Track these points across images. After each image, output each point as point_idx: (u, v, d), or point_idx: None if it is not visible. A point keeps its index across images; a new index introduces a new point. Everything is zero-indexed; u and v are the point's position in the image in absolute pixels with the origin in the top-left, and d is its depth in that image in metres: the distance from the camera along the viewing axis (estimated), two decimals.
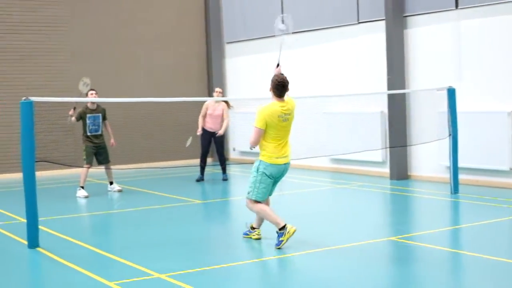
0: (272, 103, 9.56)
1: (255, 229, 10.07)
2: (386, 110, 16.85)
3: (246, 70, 21.88)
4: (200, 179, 17.11)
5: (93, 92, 14.96)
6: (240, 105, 20.57)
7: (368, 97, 17.13)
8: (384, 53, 16.79)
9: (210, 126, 17.00)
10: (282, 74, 9.68)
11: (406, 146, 16.43)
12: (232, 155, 22.44)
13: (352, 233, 10.57)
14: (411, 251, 9.45)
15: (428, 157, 16.16)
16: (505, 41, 14.74)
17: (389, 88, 16.43)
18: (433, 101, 15.44)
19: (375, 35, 17.36)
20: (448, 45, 15.72)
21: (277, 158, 9.48)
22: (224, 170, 17.32)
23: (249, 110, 19.53)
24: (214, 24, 22.74)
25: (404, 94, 16.32)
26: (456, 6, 15.54)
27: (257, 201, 9.63)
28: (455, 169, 13.97)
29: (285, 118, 9.51)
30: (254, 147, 9.63)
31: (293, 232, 9.38)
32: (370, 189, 15.29)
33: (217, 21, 22.80)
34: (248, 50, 21.91)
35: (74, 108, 14.96)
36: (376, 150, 16.78)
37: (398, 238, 10.02)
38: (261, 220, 9.99)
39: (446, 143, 14.23)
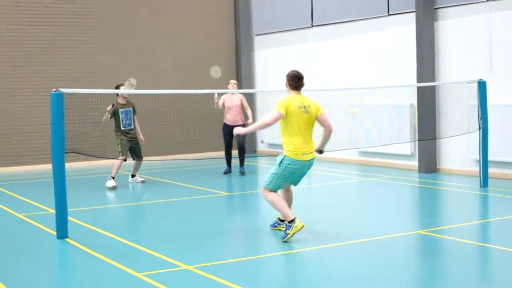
0: (290, 96, 9.58)
1: (283, 222, 9.84)
2: (415, 102, 16.76)
3: (275, 62, 21.84)
4: (228, 171, 17.11)
5: (122, 87, 15.10)
6: (270, 98, 20.54)
7: (398, 90, 17.05)
8: (414, 45, 16.69)
9: (229, 119, 16.79)
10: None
11: (435, 139, 16.33)
12: (260, 147, 22.44)
13: (380, 226, 10.53)
14: (440, 244, 9.39)
15: (457, 150, 16.05)
16: None
17: (418, 81, 16.33)
18: (463, 94, 15.33)
19: (405, 27, 17.26)
20: (479, 38, 15.59)
21: (302, 154, 9.39)
22: (242, 162, 17.10)
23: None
24: (244, 16, 22.75)
25: (433, 86, 16.22)
26: None
27: (271, 191, 9.59)
28: (484, 163, 13.85)
29: (306, 110, 9.41)
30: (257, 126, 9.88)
31: (301, 228, 9.30)
32: (398, 182, 15.22)
33: (246, 13, 22.80)
34: (277, 43, 21.89)
35: (113, 105, 15.07)
36: (404, 143, 16.71)
37: (427, 232, 9.96)
38: (288, 209, 9.67)
39: (476, 136, 14.13)
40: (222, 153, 17.74)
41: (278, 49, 21.87)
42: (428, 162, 16.38)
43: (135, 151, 15.41)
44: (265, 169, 18.01)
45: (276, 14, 21.79)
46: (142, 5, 21.36)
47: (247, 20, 22.81)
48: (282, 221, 9.96)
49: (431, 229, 10.12)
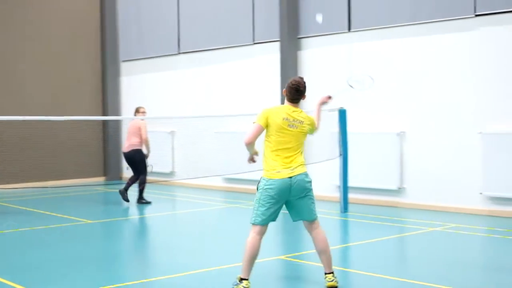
0: (281, 105, 8.32)
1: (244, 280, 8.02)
2: None
3: (142, 88, 21.78)
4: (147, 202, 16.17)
5: None
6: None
7: None
8: (278, 73, 17.00)
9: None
10: (301, 78, 8.30)
11: None
12: (126, 173, 22.15)
13: (241, 252, 10.58)
14: (300, 269, 9.55)
15: (319, 177, 16.35)
16: (394, 64, 15.16)
17: None
18: (325, 121, 15.64)
19: (270, 56, 17.57)
20: (340, 67, 16.05)
21: (278, 171, 7.91)
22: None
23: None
24: (110, 42, 22.56)
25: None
26: (349, 29, 15.89)
27: (255, 227, 8.02)
28: (345, 188, 14.24)
29: (293, 124, 8.02)
30: (249, 148, 8.31)
31: None
32: None
33: (113, 39, 22.63)
34: (144, 69, 21.82)
35: None
36: None
37: (287, 257, 10.11)
38: (249, 267, 8.04)
39: (337, 163, 14.48)
40: (88, 180, 17.37)
41: (145, 75, 21.81)
42: None
43: None
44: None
45: (143, 41, 21.74)
46: (8, 29, 20.85)
47: (113, 46, 22.64)
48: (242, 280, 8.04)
49: (291, 255, 10.28)
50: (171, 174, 20.29)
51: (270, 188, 7.87)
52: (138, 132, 15.65)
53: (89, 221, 14.18)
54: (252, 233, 7.99)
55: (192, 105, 19.76)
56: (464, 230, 12.24)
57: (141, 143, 15.73)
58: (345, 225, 13.32)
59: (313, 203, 8.22)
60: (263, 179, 7.95)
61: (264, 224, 8.01)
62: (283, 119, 7.98)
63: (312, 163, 15.85)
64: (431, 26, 14.65)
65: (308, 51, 16.86)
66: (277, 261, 10.02)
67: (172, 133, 20.23)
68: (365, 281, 8.68)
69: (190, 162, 19.08)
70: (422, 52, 14.82)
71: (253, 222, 8.00)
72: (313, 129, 8.37)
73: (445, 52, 14.49)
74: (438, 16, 14.49)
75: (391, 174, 15.10)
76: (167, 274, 9.13)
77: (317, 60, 16.67)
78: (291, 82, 8.18)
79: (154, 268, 9.66)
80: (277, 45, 17.19)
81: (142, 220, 14.54)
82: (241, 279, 7.95)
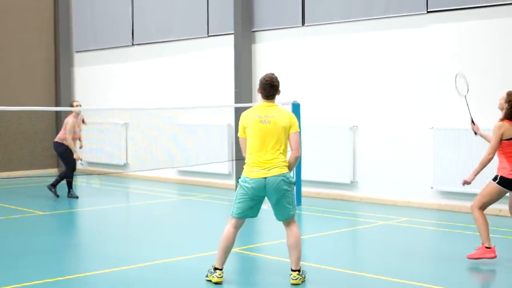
0: (255, 105, 8.28)
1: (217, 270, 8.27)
2: (233, 123, 17.07)
3: (96, 80, 21.64)
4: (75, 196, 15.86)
5: None
6: (89, 115, 20.33)
7: (216, 110, 17.32)
8: (232, 66, 17.03)
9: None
10: (273, 74, 8.23)
11: None
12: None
13: (194, 244, 10.60)
14: (254, 262, 9.61)
15: None
16: (348, 58, 15.28)
17: (236, 101, 16.66)
18: None
19: (224, 49, 17.58)
20: (294, 61, 16.14)
21: (252, 171, 8.00)
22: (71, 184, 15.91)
23: (97, 120, 19.34)
24: (64, 32, 22.35)
25: (251, 107, 16.55)
26: (303, 23, 15.97)
27: (232, 219, 8.26)
28: (298, 182, 14.30)
29: (265, 120, 7.94)
30: None
31: (215, 283, 8.09)
32: (215, 201, 15.43)
33: (66, 29, 22.42)
34: (98, 60, 21.67)
35: None
36: (222, 162, 16.98)
37: (241, 250, 10.15)
38: (223, 258, 8.29)
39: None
40: (41, 172, 17.17)
41: (98, 66, 21.66)
42: None
43: None
44: (84, 188, 17.68)
45: (97, 31, 21.59)
46: None
47: (67, 36, 22.43)
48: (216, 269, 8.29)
49: (246, 247, 10.32)
50: (124, 166, 20.22)
51: (245, 186, 8.00)
52: (65, 126, 15.55)
53: (40, 213, 14.07)
54: (228, 224, 8.24)
55: (146, 97, 19.70)
56: (415, 224, 12.42)
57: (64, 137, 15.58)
58: (298, 219, 13.32)
59: (289, 204, 8.13)
60: (242, 175, 8.09)
61: (239, 217, 8.21)
62: (255, 116, 7.99)
63: None
64: (384, 22, 14.80)
65: (262, 45, 16.92)
66: (232, 253, 10.03)
67: (125, 124, 20.14)
68: (316, 273, 8.74)
69: (143, 154, 19.05)
70: (375, 47, 14.96)
71: (231, 213, 8.23)
72: (294, 125, 8.06)
73: (398, 48, 14.65)
74: (390, 12, 14.65)
75: (344, 168, 15.23)
76: (118, 266, 9.10)
77: (271, 53, 16.74)
78: (264, 79, 8.12)
79: (105, 260, 9.61)
80: (231, 38, 17.21)
81: (94, 212, 14.46)
82: (215, 268, 8.22)
